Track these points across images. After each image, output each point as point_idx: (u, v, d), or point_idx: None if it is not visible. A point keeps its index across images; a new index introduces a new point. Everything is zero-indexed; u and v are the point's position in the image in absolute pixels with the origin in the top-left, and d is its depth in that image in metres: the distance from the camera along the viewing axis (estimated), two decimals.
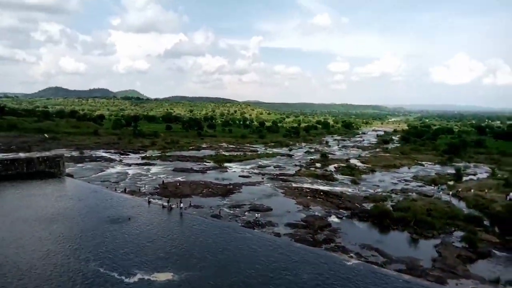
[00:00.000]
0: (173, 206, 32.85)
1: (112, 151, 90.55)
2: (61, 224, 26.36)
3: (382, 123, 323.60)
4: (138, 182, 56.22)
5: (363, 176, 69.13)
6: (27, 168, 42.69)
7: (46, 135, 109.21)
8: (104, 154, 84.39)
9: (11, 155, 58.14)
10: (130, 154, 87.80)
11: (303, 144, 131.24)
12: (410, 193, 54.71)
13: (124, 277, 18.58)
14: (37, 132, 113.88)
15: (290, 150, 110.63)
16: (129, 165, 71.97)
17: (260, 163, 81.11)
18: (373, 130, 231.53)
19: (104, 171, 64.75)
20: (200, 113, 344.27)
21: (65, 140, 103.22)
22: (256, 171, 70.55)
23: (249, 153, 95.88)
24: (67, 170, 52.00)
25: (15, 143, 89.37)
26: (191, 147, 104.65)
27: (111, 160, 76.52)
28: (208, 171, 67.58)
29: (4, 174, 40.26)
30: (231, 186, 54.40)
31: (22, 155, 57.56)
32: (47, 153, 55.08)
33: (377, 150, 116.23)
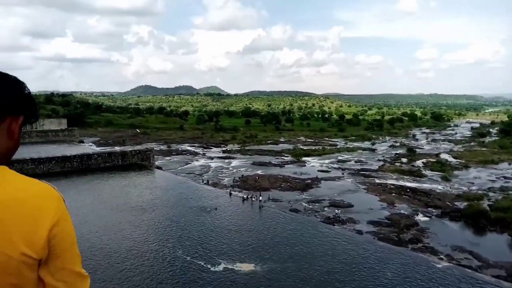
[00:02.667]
0: (253, 198, 33.35)
1: (196, 145, 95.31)
2: (152, 212, 28.28)
3: (477, 114, 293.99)
4: (220, 175, 58.35)
5: (455, 172, 63.42)
6: (122, 161, 46.65)
7: (138, 130, 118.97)
8: (189, 148, 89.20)
9: (108, 149, 64.26)
10: (212, 148, 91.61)
11: (387, 137, 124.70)
12: (510, 192, 48.86)
13: (210, 265, 19.25)
14: (130, 127, 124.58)
15: (373, 144, 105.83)
16: (212, 158, 75.08)
17: (340, 157, 78.89)
18: (467, 122, 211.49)
19: (189, 164, 68.40)
20: (278, 107, 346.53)
21: (154, 135, 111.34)
22: (335, 165, 68.78)
23: (328, 147, 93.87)
24: (157, 163, 55.82)
25: (112, 138, 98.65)
26: (269, 141, 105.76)
27: (195, 154, 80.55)
28: (286, 165, 67.62)
29: (103, 166, 44.45)
30: (310, 181, 53.71)
31: (117, 148, 63.27)
32: (139, 147, 59.83)
33: (472, 144, 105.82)
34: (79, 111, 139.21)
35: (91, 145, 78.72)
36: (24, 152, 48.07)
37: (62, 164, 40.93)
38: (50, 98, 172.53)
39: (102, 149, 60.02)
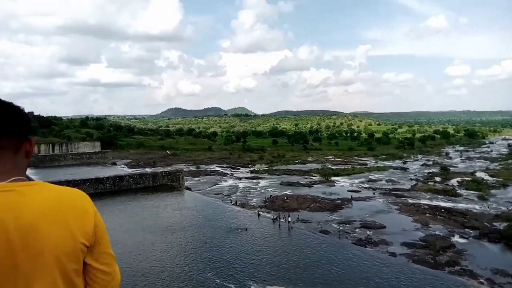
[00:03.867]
0: (282, 219, 33.06)
1: (224, 165, 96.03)
2: (182, 233, 28.54)
3: None
4: (248, 195, 58.33)
5: (493, 191, 60.63)
6: (152, 182, 47.63)
7: (168, 151, 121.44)
8: (217, 169, 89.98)
9: (139, 170, 65.84)
10: (240, 168, 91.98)
11: (419, 156, 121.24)
12: None
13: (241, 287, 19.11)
14: (161, 149, 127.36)
15: (404, 163, 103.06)
16: (239, 178, 75.31)
17: (370, 177, 77.24)
18: (503, 139, 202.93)
19: (217, 184, 68.89)
20: (305, 126, 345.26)
21: (183, 156, 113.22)
22: (366, 185, 67.34)
23: (358, 167, 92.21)
24: (186, 184, 56.59)
25: (143, 159, 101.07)
26: (297, 161, 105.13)
27: (224, 174, 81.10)
28: (314, 185, 66.82)
29: (134, 187, 45.51)
30: (340, 201, 52.76)
31: (148, 170, 64.75)
32: (169, 168, 60.96)
33: (509, 161, 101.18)
34: (112, 134, 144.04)
35: (123, 167, 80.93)
36: (59, 174, 50.01)
37: (96, 186, 42.23)
38: (85, 121, 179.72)
39: (134, 171, 61.57)
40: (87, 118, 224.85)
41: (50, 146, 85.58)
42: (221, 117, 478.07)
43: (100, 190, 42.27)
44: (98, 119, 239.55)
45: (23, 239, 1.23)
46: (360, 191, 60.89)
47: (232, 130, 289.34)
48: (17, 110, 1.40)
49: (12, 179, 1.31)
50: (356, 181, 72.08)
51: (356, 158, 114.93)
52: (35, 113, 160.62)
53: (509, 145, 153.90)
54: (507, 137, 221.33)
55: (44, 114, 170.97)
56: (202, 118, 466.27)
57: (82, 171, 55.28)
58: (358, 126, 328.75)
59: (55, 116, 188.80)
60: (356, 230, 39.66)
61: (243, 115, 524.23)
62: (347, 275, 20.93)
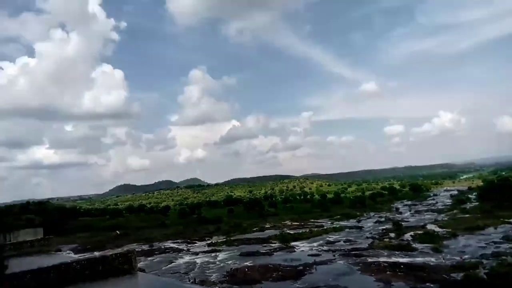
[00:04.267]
0: None
1: (180, 240, 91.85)
2: None
3: (453, 182, 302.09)
4: (207, 271, 55.46)
5: (445, 242, 62.85)
6: (102, 266, 43.88)
7: (117, 231, 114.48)
8: (172, 245, 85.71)
9: (87, 255, 60.93)
10: (196, 242, 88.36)
11: (371, 213, 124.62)
12: (503, 257, 48.30)
13: None
14: (110, 229, 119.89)
15: (359, 221, 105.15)
16: (197, 253, 71.96)
17: (328, 238, 77.39)
18: (445, 190, 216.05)
19: (173, 262, 65.12)
20: (259, 192, 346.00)
21: (135, 235, 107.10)
22: (325, 247, 67.09)
23: (315, 229, 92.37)
24: (139, 265, 52.87)
25: (90, 243, 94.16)
26: (254, 229, 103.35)
27: (179, 250, 77.21)
28: (275, 253, 65.41)
29: (82, 274, 41.67)
30: (302, 267, 51.71)
31: (97, 253, 60.10)
32: (119, 250, 56.92)
33: (455, 211, 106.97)
34: (56, 218, 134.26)
35: (69, 253, 74.52)
36: None
37: (38, 278, 38.16)
38: (25, 207, 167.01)
39: (81, 256, 56.78)
40: (28, 203, 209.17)
41: None
42: (173, 190, 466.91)
43: (43, 282, 38.16)
44: (40, 203, 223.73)
45: None
46: (321, 254, 60.39)
47: (185, 202, 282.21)
48: None
49: None
50: (315, 244, 71.71)
51: (313, 220, 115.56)
52: None
53: (451, 195, 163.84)
54: (448, 188, 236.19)
55: None
56: (154, 193, 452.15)
57: (23, 262, 50.07)
58: (310, 188, 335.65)
59: None
60: None
61: (196, 186, 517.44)
62: None
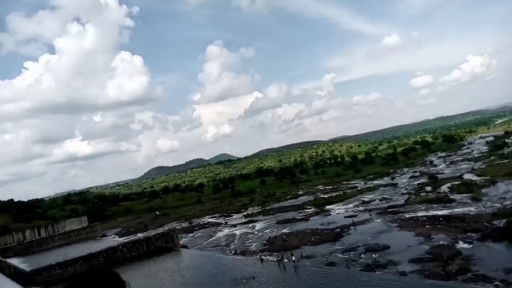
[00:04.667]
0: (286, 260, 32.17)
1: (217, 215, 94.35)
2: None
3: (488, 128, 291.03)
4: (246, 241, 56.97)
5: (484, 190, 61.42)
6: (146, 247, 45.95)
7: (157, 212, 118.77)
8: (210, 220, 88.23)
9: (131, 237, 63.80)
10: (233, 215, 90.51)
11: (405, 169, 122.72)
12: None
13: None
14: (149, 211, 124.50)
15: (393, 178, 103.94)
16: (235, 225, 73.84)
17: (363, 199, 77.24)
18: (480, 138, 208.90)
19: (213, 236, 67.23)
20: (289, 161, 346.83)
21: (174, 214, 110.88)
22: (361, 208, 67.14)
23: (349, 191, 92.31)
24: (181, 242, 54.93)
25: (133, 225, 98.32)
26: (288, 197, 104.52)
27: (218, 225, 79.45)
28: (311, 218, 66.13)
29: (128, 256, 43.76)
30: (339, 229, 52.16)
31: (140, 235, 62.78)
32: (161, 229, 59.31)
33: (492, 158, 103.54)
34: (97, 206, 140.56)
35: (114, 237, 78.34)
36: (50, 258, 47.90)
37: (89, 263, 40.44)
38: (68, 198, 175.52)
39: (126, 239, 59.58)
40: (69, 194, 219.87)
41: (36, 230, 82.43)
42: (204, 167, 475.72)
43: (95, 265, 40.45)
44: (81, 193, 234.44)
45: None
46: (357, 215, 60.53)
47: (218, 178, 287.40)
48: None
49: None
50: (350, 205, 71.83)
51: (345, 182, 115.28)
52: (16, 199, 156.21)
53: (487, 142, 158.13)
54: (483, 135, 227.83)
55: (25, 198, 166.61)
56: (186, 172, 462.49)
57: (73, 250, 53.08)
58: (340, 151, 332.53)
59: (36, 199, 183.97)
60: (362, 256, 38.95)
61: (226, 161, 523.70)
62: None
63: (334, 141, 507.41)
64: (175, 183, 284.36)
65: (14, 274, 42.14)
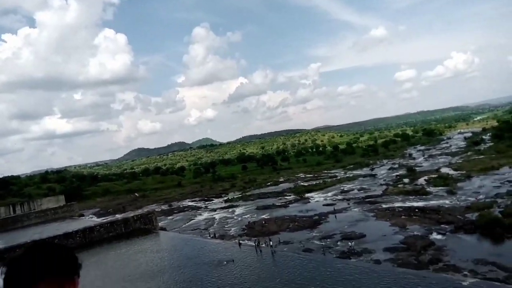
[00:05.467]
0: (263, 245, 32.54)
1: (197, 199, 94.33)
2: (163, 276, 27.33)
3: (467, 124, 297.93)
4: (225, 226, 57.28)
5: (459, 184, 63.17)
6: (124, 228, 45.72)
7: (136, 194, 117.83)
8: (190, 203, 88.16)
9: (109, 218, 63.22)
10: (213, 199, 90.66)
11: (384, 161, 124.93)
12: None
13: None
14: (128, 192, 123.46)
15: (372, 169, 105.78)
16: (215, 210, 74.07)
17: (342, 188, 78.43)
18: (458, 133, 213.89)
19: (192, 219, 67.29)
20: (271, 148, 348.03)
21: (153, 196, 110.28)
22: (339, 197, 68.19)
23: (329, 180, 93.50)
24: (160, 224, 54.80)
25: (111, 206, 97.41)
26: (269, 183, 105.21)
27: (197, 208, 79.51)
28: (290, 205, 66.85)
29: (106, 236, 43.43)
30: (317, 217, 52.96)
31: (118, 216, 62.28)
32: (140, 211, 58.94)
33: (469, 153, 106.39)
34: (75, 185, 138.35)
35: (91, 217, 77.45)
36: (25, 236, 47.03)
37: (65, 241, 39.92)
38: (45, 176, 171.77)
39: (104, 219, 59.03)
40: (46, 172, 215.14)
41: (11, 208, 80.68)
42: (186, 151, 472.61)
43: (71, 245, 39.99)
44: (58, 172, 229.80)
45: None
46: (335, 204, 61.46)
47: (199, 162, 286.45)
48: (62, 249, 1.33)
49: None
50: (329, 194, 72.87)
51: (326, 171, 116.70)
52: None
53: (465, 138, 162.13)
54: (462, 130, 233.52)
55: (0, 175, 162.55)
56: (168, 155, 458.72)
57: (49, 228, 52.30)
58: (322, 141, 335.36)
59: (12, 176, 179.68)
60: (338, 243, 39.72)
61: (208, 145, 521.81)
62: None
63: (317, 130, 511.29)
64: (156, 166, 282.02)
65: None
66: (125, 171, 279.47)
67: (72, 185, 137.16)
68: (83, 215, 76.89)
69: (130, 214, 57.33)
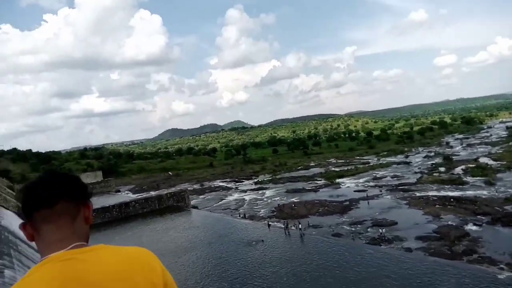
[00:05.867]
0: (292, 227, 32.80)
1: (228, 180, 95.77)
2: (195, 252, 28.25)
3: (510, 113, 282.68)
4: (255, 207, 58.02)
5: (498, 175, 60.46)
6: (158, 205, 47.37)
7: (170, 173, 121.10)
8: (221, 184, 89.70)
9: (144, 194, 65.56)
10: (243, 181, 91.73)
11: (420, 148, 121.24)
12: None
13: None
14: (162, 171, 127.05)
15: (406, 157, 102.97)
16: (245, 191, 75.03)
17: (374, 174, 77.09)
18: (500, 122, 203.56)
19: (223, 199, 68.58)
20: (303, 132, 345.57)
21: (186, 175, 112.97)
22: (371, 183, 67.13)
23: (361, 166, 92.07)
24: (192, 202, 56.28)
25: (146, 183, 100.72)
26: (299, 167, 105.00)
27: (228, 189, 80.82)
28: (320, 189, 66.58)
29: (141, 212, 45.21)
30: (348, 202, 52.49)
31: (153, 193, 64.47)
32: (173, 189, 60.70)
33: (510, 144, 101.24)
34: (112, 162, 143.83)
35: (127, 193, 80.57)
36: None
37: (103, 215, 41.94)
38: (83, 153, 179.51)
39: (139, 196, 61.30)
40: (85, 149, 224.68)
41: None
42: (218, 133, 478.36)
43: (108, 219, 41.99)
44: (96, 149, 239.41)
45: None
46: (367, 190, 60.58)
47: (230, 144, 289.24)
48: (71, 176, 1.39)
49: (72, 245, 1.26)
50: (361, 180, 71.88)
51: (358, 158, 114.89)
52: (33, 150, 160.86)
53: (507, 127, 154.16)
54: (504, 120, 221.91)
55: (42, 150, 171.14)
56: (200, 136, 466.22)
57: None
58: (355, 126, 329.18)
59: (53, 151, 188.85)
60: (368, 230, 39.35)
61: (239, 128, 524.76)
62: (365, 275, 20.65)
63: (350, 115, 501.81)
64: (189, 146, 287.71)
65: None
66: (159, 150, 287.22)
67: (109, 162, 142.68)
68: (119, 191, 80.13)
69: (163, 191, 59.20)
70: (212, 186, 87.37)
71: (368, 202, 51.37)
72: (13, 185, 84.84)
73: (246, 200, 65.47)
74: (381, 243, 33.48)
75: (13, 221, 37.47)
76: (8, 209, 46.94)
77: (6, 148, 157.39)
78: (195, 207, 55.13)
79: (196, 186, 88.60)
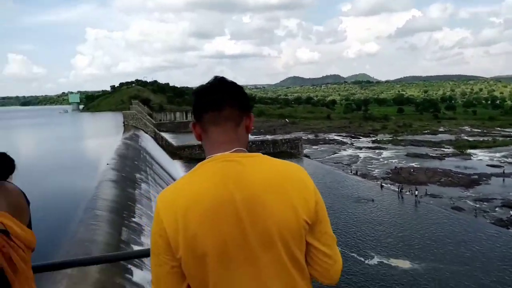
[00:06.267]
0: (407, 192, 31.11)
1: (343, 134, 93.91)
2: None
3: None
4: (369, 166, 56.16)
5: None
6: (273, 148, 49.44)
7: (287, 120, 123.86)
8: (336, 137, 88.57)
9: (261, 137, 68.79)
10: (360, 137, 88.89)
11: None
12: None
13: (363, 258, 18.77)
14: (280, 117, 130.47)
15: None
16: (360, 148, 72.86)
17: None
18: None
19: (336, 153, 67.93)
20: (436, 93, 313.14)
21: (302, 124, 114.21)
22: (510, 160, 58.53)
23: (500, 139, 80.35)
24: (305, 151, 57.22)
25: (263, 127, 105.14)
26: (425, 131, 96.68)
27: (343, 143, 79.46)
28: (446, 158, 60.72)
29: (256, 152, 47.87)
30: (477, 176, 46.98)
31: (269, 137, 67.14)
32: (288, 136, 62.23)
33: None
34: None
35: None
36: (193, 139, 55.37)
37: None
38: None
39: (256, 137, 64.60)
40: None
41: (184, 114, 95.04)
42: (340, 85, 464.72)
43: None
44: None
45: (249, 211, 1.18)
46: (503, 166, 53.14)
47: (352, 98, 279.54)
48: (238, 86, 1.41)
49: (234, 149, 1.30)
50: (497, 154, 63.12)
51: (499, 129, 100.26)
52: (170, 84, 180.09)
53: None
54: None
55: (178, 85, 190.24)
56: (321, 86, 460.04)
57: None
58: (501, 93, 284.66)
59: (187, 87, 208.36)
60: (496, 209, 35.01)
61: (364, 82, 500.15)
62: (483, 254, 18.79)
63: (498, 80, 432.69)
64: (308, 96, 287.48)
65: (165, 145, 50.45)
66: (279, 97, 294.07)
67: None
68: None
69: (278, 137, 61.13)
70: (327, 138, 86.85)
71: (503, 180, 45.30)
72: (152, 113, 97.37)
73: (360, 157, 63.67)
74: (509, 226, 29.65)
75: (150, 144, 43.40)
76: (147, 133, 54.49)
77: (149, 80, 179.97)
78: (307, 156, 55.97)
79: (311, 136, 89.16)
